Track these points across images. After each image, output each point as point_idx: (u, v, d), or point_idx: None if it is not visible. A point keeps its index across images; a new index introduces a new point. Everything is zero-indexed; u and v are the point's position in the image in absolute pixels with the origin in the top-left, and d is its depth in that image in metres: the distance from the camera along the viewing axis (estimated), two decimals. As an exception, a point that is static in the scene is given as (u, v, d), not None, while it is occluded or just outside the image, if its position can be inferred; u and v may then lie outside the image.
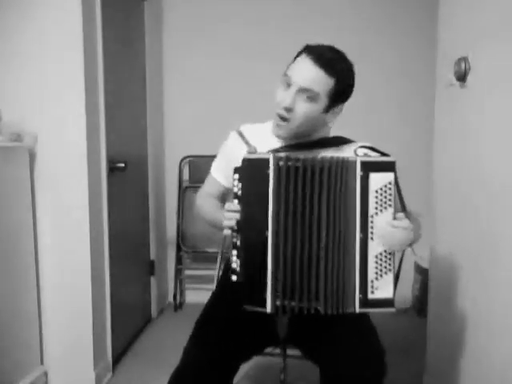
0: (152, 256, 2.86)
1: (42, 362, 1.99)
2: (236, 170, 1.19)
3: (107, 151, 2.11)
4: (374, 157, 1.20)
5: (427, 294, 1.96)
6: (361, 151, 1.23)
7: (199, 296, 3.07)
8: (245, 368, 1.39)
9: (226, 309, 1.34)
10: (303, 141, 1.33)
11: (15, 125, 1.83)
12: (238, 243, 1.19)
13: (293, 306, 1.15)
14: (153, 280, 2.87)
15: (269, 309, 1.14)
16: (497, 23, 1.35)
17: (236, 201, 1.19)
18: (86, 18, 1.88)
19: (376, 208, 1.14)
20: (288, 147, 1.31)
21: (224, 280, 1.53)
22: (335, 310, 1.15)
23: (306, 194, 1.14)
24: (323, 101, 1.25)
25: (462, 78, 1.52)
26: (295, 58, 1.28)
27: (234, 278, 1.19)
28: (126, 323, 2.44)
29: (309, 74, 1.22)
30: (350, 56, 1.33)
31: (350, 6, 2.93)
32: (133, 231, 2.60)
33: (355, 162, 1.14)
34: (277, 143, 1.34)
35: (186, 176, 3.03)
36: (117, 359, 2.26)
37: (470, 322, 1.52)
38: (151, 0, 2.77)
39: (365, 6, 2.92)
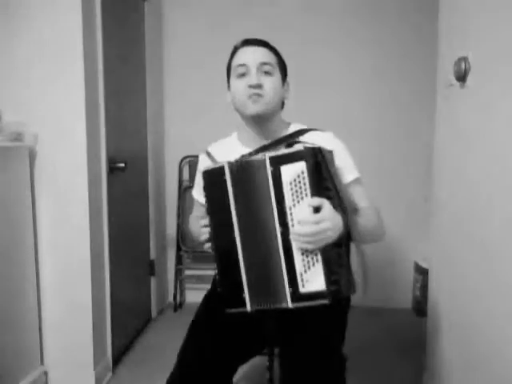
0: (152, 256, 2.86)
1: (42, 362, 1.99)
2: (204, 187, 1.26)
3: (107, 151, 2.11)
4: (287, 149, 1.20)
5: (427, 293, 1.96)
6: (299, 145, 1.25)
7: (199, 296, 3.05)
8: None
9: (218, 312, 1.34)
10: (267, 142, 1.38)
11: (16, 124, 1.83)
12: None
13: (266, 303, 1.18)
14: (153, 280, 2.87)
15: (249, 307, 1.19)
16: (497, 23, 1.35)
17: (208, 216, 1.25)
18: (85, 17, 1.88)
19: (293, 200, 1.12)
20: (256, 151, 1.36)
21: (215, 283, 1.54)
22: (277, 306, 1.15)
23: (246, 195, 1.19)
24: (278, 72, 1.37)
25: (461, 78, 1.51)
26: (232, 57, 1.42)
27: (219, 288, 1.25)
28: (126, 323, 2.44)
29: (257, 52, 1.35)
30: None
31: (350, 6, 2.93)
32: (133, 231, 2.60)
33: (264, 160, 1.16)
34: (244, 150, 1.39)
35: (186, 176, 3.03)
36: (117, 359, 2.26)
37: (469, 321, 1.52)
38: (151, 0, 2.77)
39: (365, 6, 2.92)
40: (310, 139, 1.32)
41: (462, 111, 1.58)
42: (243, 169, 1.18)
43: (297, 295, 1.12)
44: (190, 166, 3.01)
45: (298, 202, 1.12)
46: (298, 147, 1.15)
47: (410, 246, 2.97)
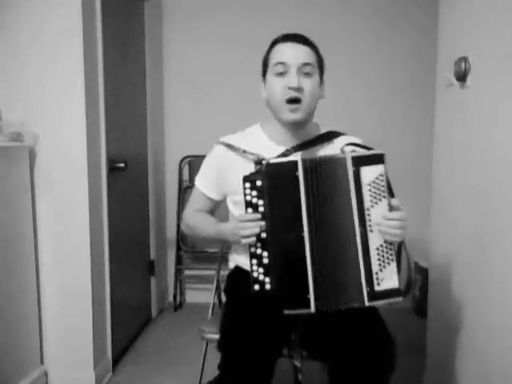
0: (152, 256, 2.86)
1: (42, 362, 1.99)
2: (247, 179, 1.19)
3: (107, 151, 2.11)
4: (363, 151, 1.22)
5: (427, 293, 1.96)
6: (348, 148, 1.26)
7: (199, 296, 3.08)
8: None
9: (247, 316, 1.29)
10: (302, 140, 1.36)
11: (15, 124, 1.83)
12: (259, 251, 1.20)
13: (330, 304, 1.17)
14: (153, 280, 2.87)
15: (313, 308, 1.16)
16: (497, 23, 1.35)
17: (250, 209, 1.20)
18: (86, 18, 1.88)
19: (371, 201, 1.16)
20: (293, 148, 1.34)
21: (232, 285, 1.48)
22: (348, 305, 1.17)
23: (320, 193, 1.18)
24: (317, 73, 1.33)
25: (461, 78, 1.51)
26: (269, 51, 1.36)
27: (257, 287, 1.19)
28: (126, 323, 2.44)
29: (299, 51, 1.30)
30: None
31: (350, 6, 2.93)
32: (133, 231, 2.60)
33: (345, 159, 1.17)
34: (273, 146, 1.37)
35: (186, 176, 3.03)
36: (117, 359, 2.26)
37: (469, 321, 1.52)
38: (151, 0, 2.77)
39: (366, 7, 2.92)
40: (343, 143, 1.32)
41: (462, 111, 1.58)
42: (320, 166, 1.18)
43: (373, 294, 1.16)
44: (190, 166, 3.01)
45: (376, 203, 1.16)
46: (378, 151, 1.18)
47: (410, 246, 2.96)
